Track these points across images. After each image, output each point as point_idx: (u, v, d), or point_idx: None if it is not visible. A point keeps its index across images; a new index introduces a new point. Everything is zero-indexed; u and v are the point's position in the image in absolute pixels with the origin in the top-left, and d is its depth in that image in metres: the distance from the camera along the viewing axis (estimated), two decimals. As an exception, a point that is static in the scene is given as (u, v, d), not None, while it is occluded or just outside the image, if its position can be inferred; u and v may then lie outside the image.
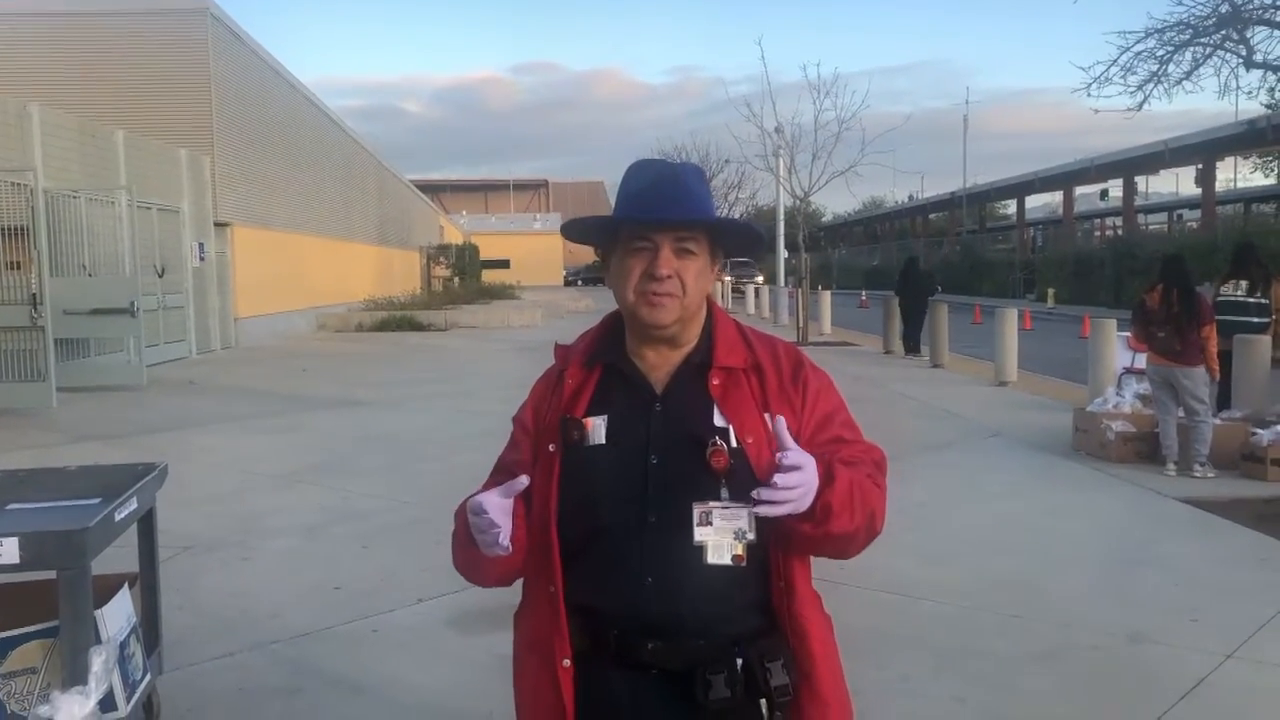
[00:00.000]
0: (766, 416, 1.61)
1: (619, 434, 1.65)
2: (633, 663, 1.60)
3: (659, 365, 1.70)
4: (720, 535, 1.58)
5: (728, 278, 36.50)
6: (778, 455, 1.49)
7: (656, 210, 1.62)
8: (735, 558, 1.59)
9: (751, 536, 1.59)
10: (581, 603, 1.63)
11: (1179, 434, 7.48)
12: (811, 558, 1.69)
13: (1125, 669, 3.95)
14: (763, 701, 1.59)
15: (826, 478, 1.53)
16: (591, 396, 1.69)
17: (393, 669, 4.02)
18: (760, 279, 40.39)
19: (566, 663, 1.62)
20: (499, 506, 1.55)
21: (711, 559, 1.58)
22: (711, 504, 1.58)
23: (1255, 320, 8.86)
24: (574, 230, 1.78)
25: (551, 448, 1.67)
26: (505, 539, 1.54)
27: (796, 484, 1.47)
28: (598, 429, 1.65)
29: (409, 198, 42.75)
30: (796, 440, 1.61)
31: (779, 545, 1.62)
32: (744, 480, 1.58)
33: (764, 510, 1.48)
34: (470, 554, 1.64)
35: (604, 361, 1.73)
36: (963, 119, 55.60)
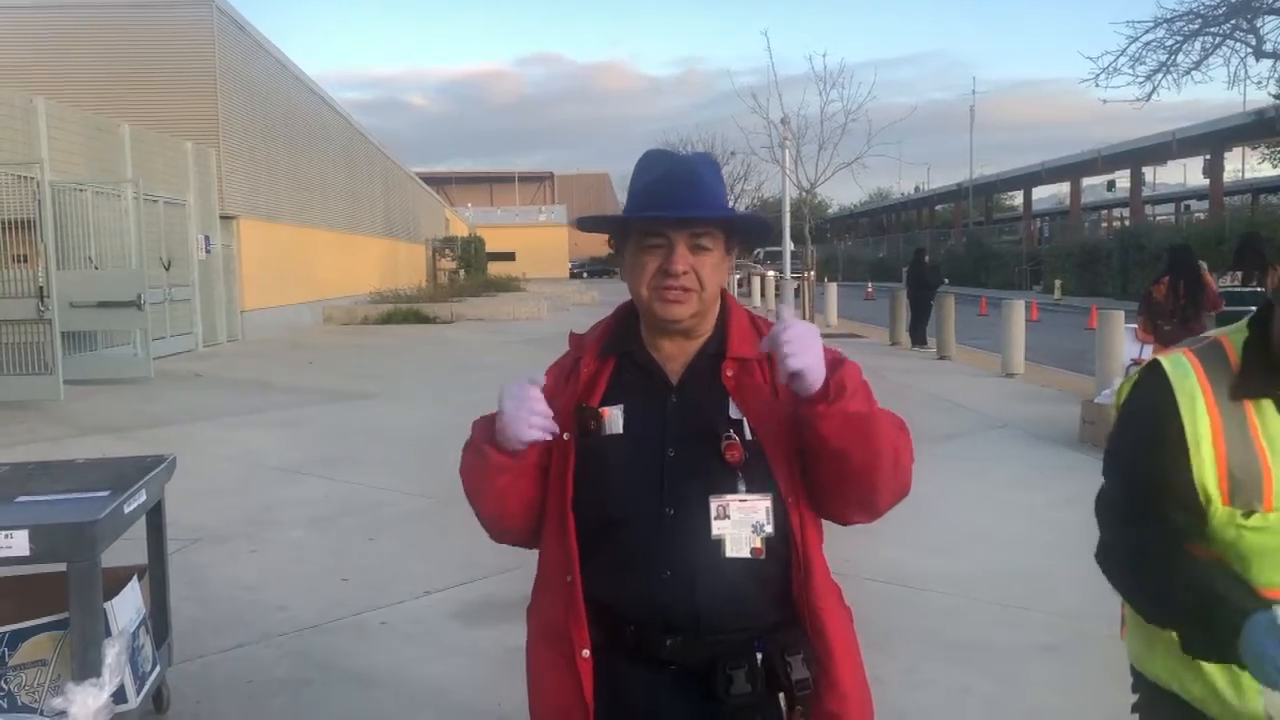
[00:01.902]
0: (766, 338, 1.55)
1: (635, 425, 1.64)
2: (651, 658, 1.59)
3: (674, 355, 1.69)
4: (738, 529, 1.58)
5: (772, 273, 33.63)
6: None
7: (670, 207, 1.60)
8: (754, 551, 1.58)
9: (770, 529, 1.58)
10: (598, 597, 1.62)
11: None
12: (825, 553, 1.67)
13: (1133, 661, 3.94)
14: (781, 696, 1.58)
15: (835, 362, 1.53)
16: (607, 386, 1.68)
17: (401, 661, 4.03)
18: (811, 274, 37.60)
19: (586, 653, 1.61)
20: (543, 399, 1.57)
21: (730, 552, 1.58)
22: (728, 497, 1.57)
23: (1251, 310, 8.83)
24: (588, 224, 1.78)
25: (566, 436, 1.65)
26: (541, 423, 1.55)
27: (788, 339, 1.46)
28: (614, 419, 1.64)
29: (414, 190, 42.75)
30: None
31: (800, 502, 1.60)
32: (760, 473, 1.58)
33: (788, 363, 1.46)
34: (480, 459, 1.63)
35: (619, 351, 1.71)
36: (969, 110, 55.58)
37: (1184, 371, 1.49)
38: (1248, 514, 1.41)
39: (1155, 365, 1.53)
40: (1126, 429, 1.58)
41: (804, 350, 1.46)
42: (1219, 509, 1.43)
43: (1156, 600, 1.50)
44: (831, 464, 1.55)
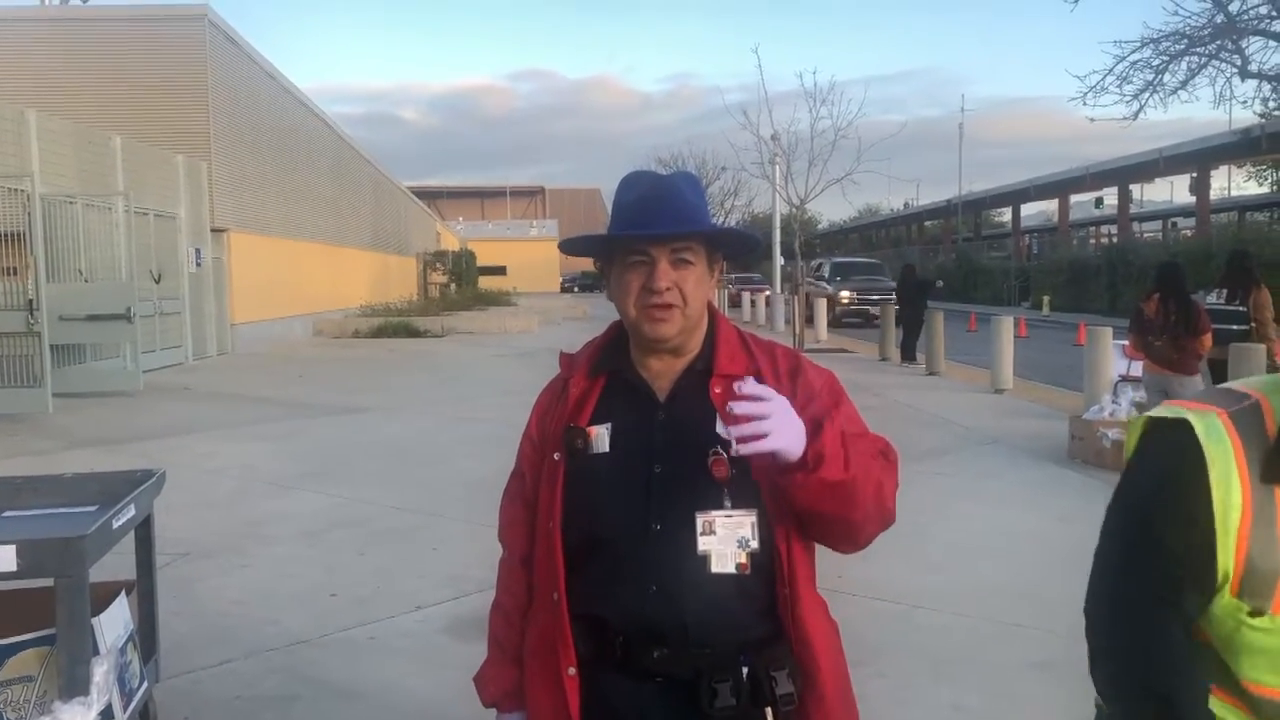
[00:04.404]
0: (737, 384, 1.51)
1: (622, 442, 1.65)
2: (638, 670, 1.60)
3: (663, 373, 1.71)
4: (724, 544, 1.58)
5: (844, 294, 26.95)
6: (735, 385, 1.46)
7: (650, 224, 1.61)
8: (739, 566, 1.59)
9: (755, 545, 1.59)
10: (586, 611, 1.63)
11: (1175, 442, 7.46)
12: (815, 566, 1.69)
13: (1122, 677, 3.95)
14: (768, 710, 1.59)
15: (814, 429, 1.48)
16: (596, 405, 1.70)
17: (390, 676, 4.02)
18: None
19: (571, 671, 1.62)
20: None
21: (715, 568, 1.58)
22: (714, 513, 1.58)
23: (1234, 328, 8.87)
24: (571, 247, 1.79)
25: (556, 456, 1.68)
26: None
27: (758, 414, 1.41)
28: (601, 437, 1.66)
29: (406, 204, 42.76)
30: None
31: (784, 519, 1.59)
32: (746, 488, 1.58)
33: (742, 448, 1.42)
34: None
35: (608, 370, 1.73)
36: (958, 127, 55.83)
37: (1219, 440, 1.29)
38: (1254, 613, 1.29)
39: (1184, 425, 1.31)
40: (1147, 496, 1.36)
41: (782, 426, 1.43)
42: (1226, 598, 1.32)
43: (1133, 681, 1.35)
44: (812, 520, 1.58)
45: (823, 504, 1.52)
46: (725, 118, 44.69)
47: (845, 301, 25.62)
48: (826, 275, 29.24)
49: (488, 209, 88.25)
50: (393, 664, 4.14)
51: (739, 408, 1.43)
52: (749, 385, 1.46)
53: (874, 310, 23.92)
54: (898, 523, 1.68)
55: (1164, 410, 1.38)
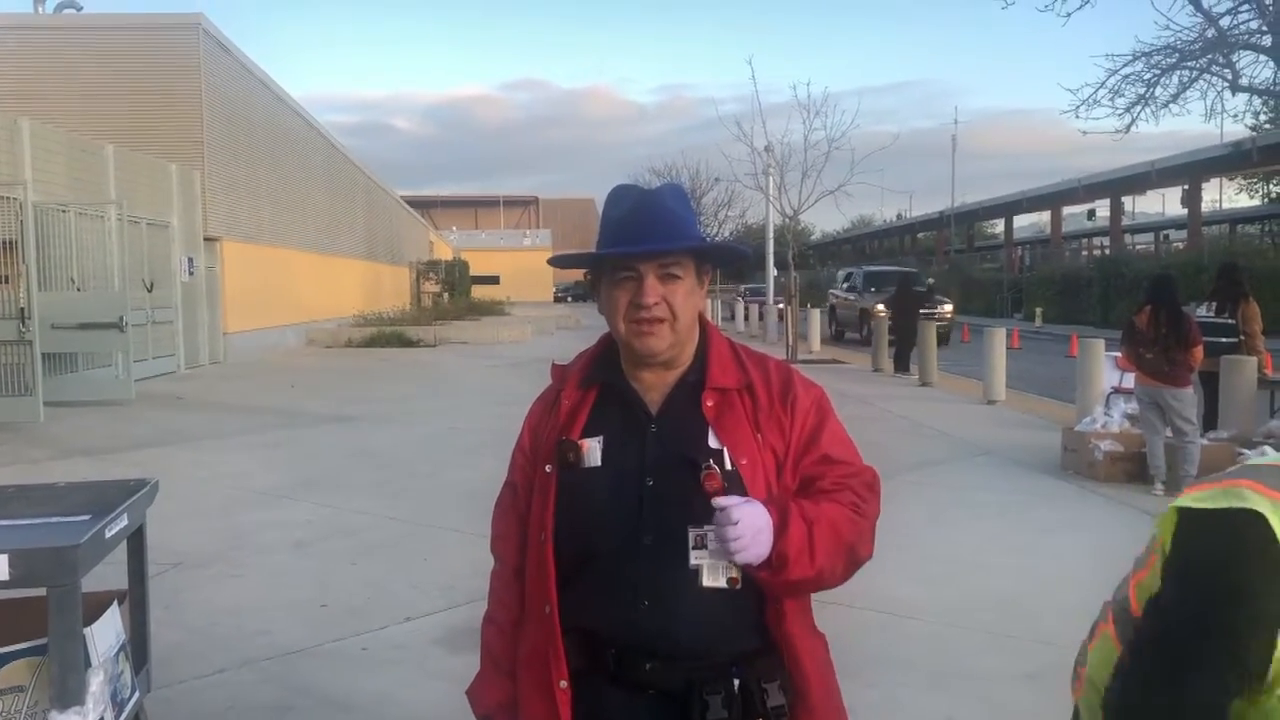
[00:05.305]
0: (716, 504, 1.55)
1: (614, 456, 1.66)
2: (630, 682, 1.61)
3: (654, 385, 1.71)
4: (715, 558, 1.59)
5: (879, 307, 23.38)
6: (715, 501, 1.51)
7: (636, 240, 1.62)
8: (730, 580, 1.59)
9: None
10: (578, 623, 1.63)
11: (1166, 454, 7.51)
12: None
13: (1113, 688, 3.95)
14: None
15: (781, 526, 1.52)
16: (588, 417, 1.70)
17: (382, 687, 4.01)
18: (949, 308, 25.54)
19: (564, 684, 1.62)
20: None
21: (707, 581, 1.59)
22: (707, 527, 1.57)
23: (1223, 341, 8.91)
24: (560, 263, 1.81)
25: (548, 469, 1.68)
26: None
27: (733, 536, 1.49)
28: (593, 451, 1.66)
29: (399, 213, 42.77)
30: (784, 460, 1.63)
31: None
32: None
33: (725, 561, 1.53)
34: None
35: (600, 382, 1.74)
36: (951, 139, 56.11)
37: None
38: None
39: (1256, 519, 1.22)
40: (1228, 607, 1.23)
41: (751, 544, 1.50)
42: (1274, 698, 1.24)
43: None
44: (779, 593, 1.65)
45: (793, 592, 1.62)
46: (719, 128, 44.66)
47: (880, 314, 24.65)
48: (859, 286, 27.02)
49: (481, 218, 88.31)
50: (385, 674, 4.13)
51: (717, 534, 1.52)
52: (718, 520, 1.50)
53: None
54: (889, 534, 1.70)
55: (1208, 499, 1.29)
